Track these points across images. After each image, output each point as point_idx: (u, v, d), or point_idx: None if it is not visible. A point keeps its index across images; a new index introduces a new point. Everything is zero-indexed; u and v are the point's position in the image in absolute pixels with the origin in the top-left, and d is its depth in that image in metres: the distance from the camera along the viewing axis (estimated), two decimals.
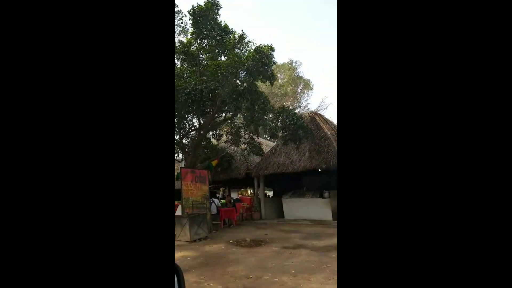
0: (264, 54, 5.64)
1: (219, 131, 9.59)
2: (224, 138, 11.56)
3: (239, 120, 10.49)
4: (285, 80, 21.87)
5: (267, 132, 8.17)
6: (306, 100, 23.96)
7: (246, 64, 5.52)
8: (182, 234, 5.62)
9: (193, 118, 8.17)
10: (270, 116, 7.50)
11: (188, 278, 3.20)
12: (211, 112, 7.20)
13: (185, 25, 7.22)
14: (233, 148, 10.51)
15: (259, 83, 6.32)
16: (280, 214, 9.63)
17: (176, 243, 5.46)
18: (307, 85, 23.75)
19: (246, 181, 11.51)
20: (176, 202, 14.75)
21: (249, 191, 19.73)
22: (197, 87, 5.60)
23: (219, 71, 5.47)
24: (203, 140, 8.24)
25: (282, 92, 21.48)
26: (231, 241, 5.49)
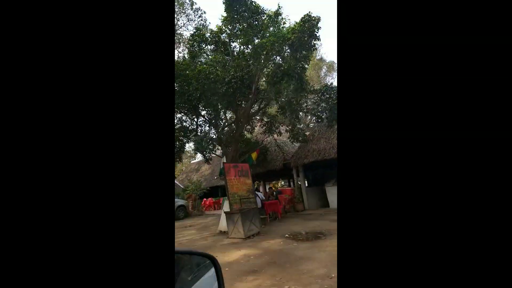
0: (312, 23, 5.00)
1: (255, 122, 9.24)
2: (257, 129, 11.26)
3: (272, 109, 10.08)
4: (308, 64, 20.96)
5: (309, 115, 7.60)
6: (331, 83, 22.85)
7: (291, 38, 4.95)
8: (235, 231, 5.42)
9: (226, 111, 7.87)
10: (313, 97, 6.96)
11: (263, 280, 2.93)
12: (247, 102, 6.85)
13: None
14: (267, 140, 10.15)
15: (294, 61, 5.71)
16: (324, 203, 9.18)
17: (230, 240, 5.29)
18: (331, 67, 22.64)
19: (284, 172, 11.16)
20: (209, 199, 14.84)
21: (279, 184, 19.39)
22: (237, 74, 5.20)
23: (264, 51, 4.99)
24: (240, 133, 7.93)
25: (306, 77, 20.64)
26: (286, 235, 5.18)
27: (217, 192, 16.95)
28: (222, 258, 4.04)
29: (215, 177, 17.14)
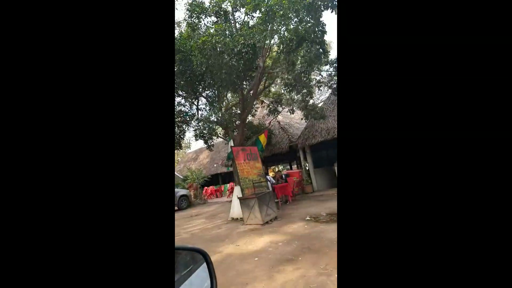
0: None
1: (257, 103, 8.63)
2: (259, 111, 10.70)
3: (274, 89, 9.50)
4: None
5: (325, 88, 6.98)
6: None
7: None
8: (252, 216, 5.02)
9: (229, 91, 7.15)
10: (327, 69, 6.39)
11: (305, 270, 2.53)
12: (252, 78, 6.19)
13: None
14: (270, 122, 9.63)
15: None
16: (333, 184, 8.90)
17: (248, 227, 4.90)
18: (327, 46, 22.01)
19: (289, 154, 10.78)
20: (211, 187, 14.43)
21: (278, 168, 19.13)
22: (249, 42, 4.51)
23: (281, 12, 4.28)
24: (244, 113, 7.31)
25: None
26: (307, 218, 4.82)
27: (217, 180, 16.57)
28: (246, 247, 3.63)
29: (215, 165, 16.71)
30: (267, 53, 5.32)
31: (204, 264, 0.84)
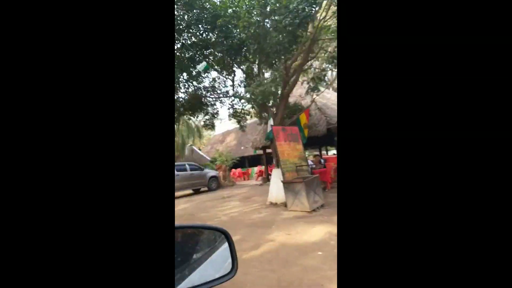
0: None
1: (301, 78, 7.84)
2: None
3: (315, 64, 8.65)
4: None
5: None
6: None
7: None
8: (297, 203, 4.52)
9: (275, 61, 6.32)
10: None
11: None
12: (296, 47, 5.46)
13: None
14: (311, 101, 8.86)
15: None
16: None
17: (292, 214, 4.42)
18: None
19: (327, 138, 10.02)
20: (238, 169, 14.23)
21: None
22: None
23: None
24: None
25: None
26: None
27: (244, 163, 16.33)
28: (300, 237, 3.16)
29: (242, 148, 16.43)
30: (325, 13, 4.47)
31: (226, 244, 0.84)
